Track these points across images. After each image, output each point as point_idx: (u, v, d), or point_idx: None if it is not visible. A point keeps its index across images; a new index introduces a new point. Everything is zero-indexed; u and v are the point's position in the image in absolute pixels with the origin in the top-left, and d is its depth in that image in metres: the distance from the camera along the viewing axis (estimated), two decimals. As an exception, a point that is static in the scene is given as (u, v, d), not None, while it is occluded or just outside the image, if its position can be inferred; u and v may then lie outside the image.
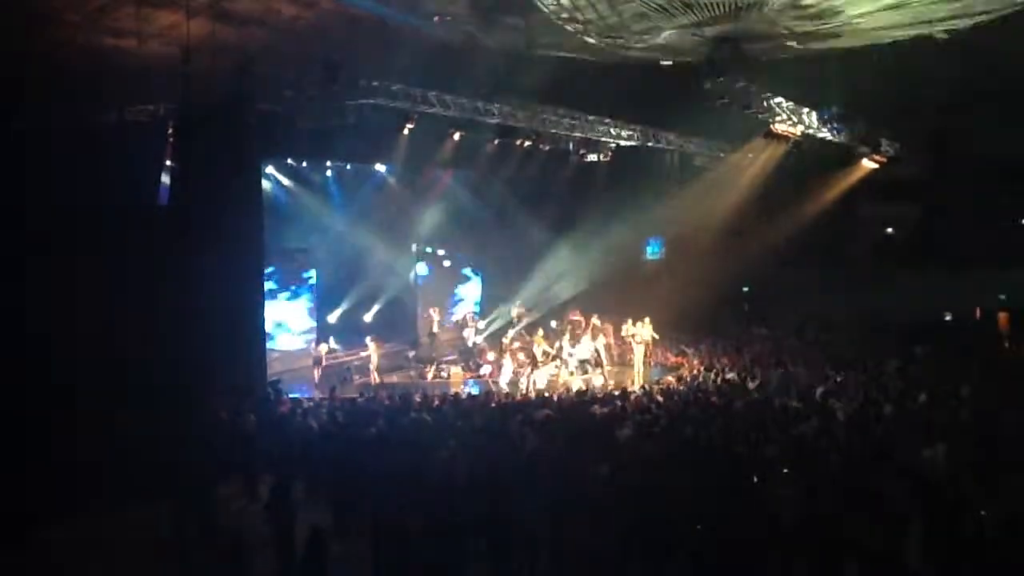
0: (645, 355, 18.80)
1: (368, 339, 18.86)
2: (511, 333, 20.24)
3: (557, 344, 18.47)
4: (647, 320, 18.90)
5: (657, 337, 19.30)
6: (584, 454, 9.83)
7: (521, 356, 18.39)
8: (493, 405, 13.81)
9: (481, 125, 17.89)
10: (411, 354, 20.56)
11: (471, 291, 24.47)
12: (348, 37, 14.10)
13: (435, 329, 20.77)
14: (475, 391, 16.97)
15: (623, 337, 19.36)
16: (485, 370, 19.05)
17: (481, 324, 22.05)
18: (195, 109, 13.82)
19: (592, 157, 21.30)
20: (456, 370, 19.44)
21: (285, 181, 19.30)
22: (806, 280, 22.09)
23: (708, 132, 21.92)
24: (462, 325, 21.68)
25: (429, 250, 23.20)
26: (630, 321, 19.00)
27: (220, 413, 12.03)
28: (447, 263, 23.85)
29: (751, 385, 15.18)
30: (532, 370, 17.31)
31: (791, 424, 11.34)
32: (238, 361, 14.74)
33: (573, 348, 18.26)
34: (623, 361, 19.69)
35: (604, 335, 19.04)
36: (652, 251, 26.09)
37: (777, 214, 22.63)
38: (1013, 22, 12.96)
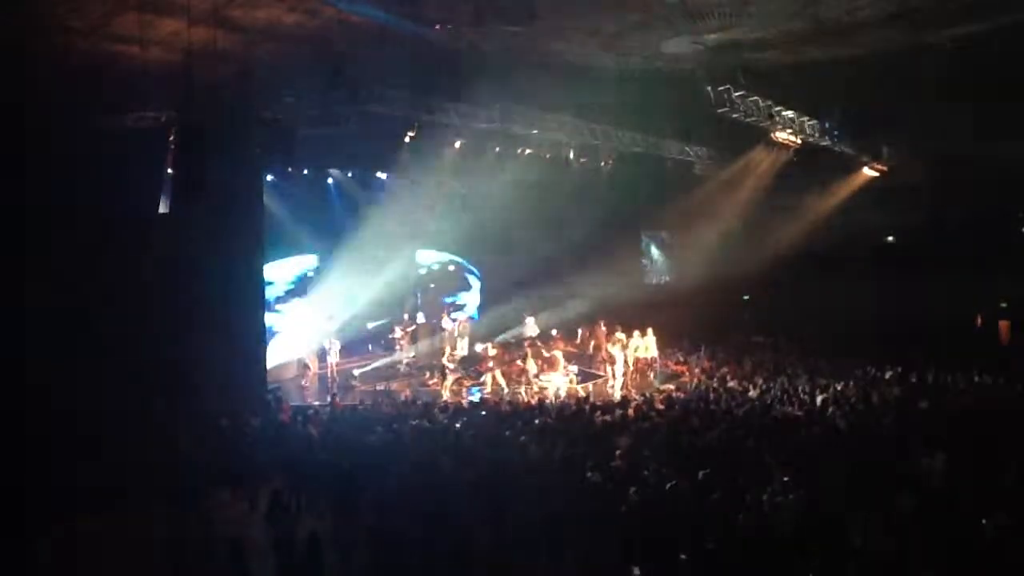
0: (630, 367, 18.25)
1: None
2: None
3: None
4: (649, 331, 18.56)
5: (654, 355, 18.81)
6: (584, 461, 9.83)
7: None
8: (489, 412, 13.81)
9: (482, 132, 17.90)
10: (413, 361, 20.52)
11: (471, 298, 24.43)
12: (350, 45, 14.11)
13: (436, 335, 20.73)
14: (476, 398, 16.94)
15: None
16: (486, 377, 18.97)
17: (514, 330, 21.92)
18: (197, 116, 13.83)
19: (593, 165, 21.30)
20: (457, 378, 19.35)
21: (287, 188, 19.27)
22: (807, 288, 22.05)
23: (709, 140, 21.90)
24: (459, 334, 21.59)
25: (431, 257, 23.12)
26: (636, 334, 18.56)
27: (221, 420, 12.05)
28: (448, 270, 23.79)
29: (752, 393, 15.16)
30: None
31: (792, 432, 11.34)
32: (239, 368, 14.76)
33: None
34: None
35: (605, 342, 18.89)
36: (653, 259, 26.09)
37: (778, 222, 22.63)
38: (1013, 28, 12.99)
